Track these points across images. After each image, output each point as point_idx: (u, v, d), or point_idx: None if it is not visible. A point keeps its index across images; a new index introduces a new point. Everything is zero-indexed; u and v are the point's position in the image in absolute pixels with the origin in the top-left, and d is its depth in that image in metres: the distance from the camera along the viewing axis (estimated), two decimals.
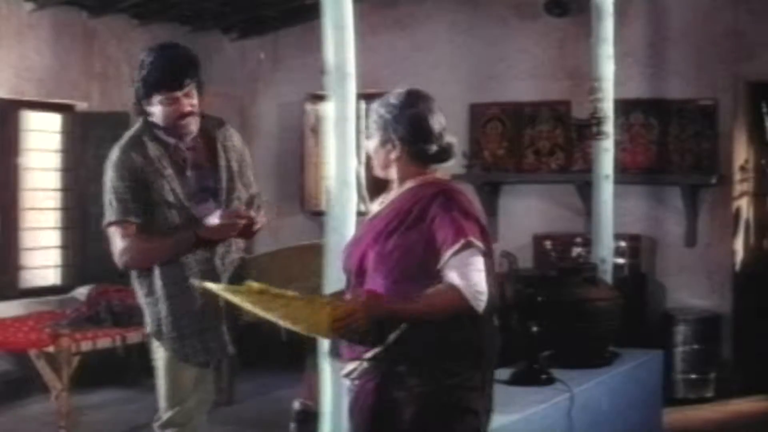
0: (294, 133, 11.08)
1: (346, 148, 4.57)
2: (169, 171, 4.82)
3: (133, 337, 8.24)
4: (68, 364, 7.74)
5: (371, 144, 4.04)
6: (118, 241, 4.79)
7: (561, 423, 5.61)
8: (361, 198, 4.61)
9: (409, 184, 3.98)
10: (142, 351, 8.86)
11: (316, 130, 10.83)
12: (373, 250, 3.88)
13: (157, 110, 4.84)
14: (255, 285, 3.68)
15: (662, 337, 8.77)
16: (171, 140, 4.88)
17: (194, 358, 4.82)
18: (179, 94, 4.82)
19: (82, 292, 9.05)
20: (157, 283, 4.83)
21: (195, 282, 3.99)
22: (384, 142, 3.99)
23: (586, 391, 5.93)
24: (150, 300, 4.87)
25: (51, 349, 7.75)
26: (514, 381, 5.84)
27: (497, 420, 4.73)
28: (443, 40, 10.42)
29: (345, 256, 4.09)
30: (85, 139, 9.81)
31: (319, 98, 8.91)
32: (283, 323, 3.71)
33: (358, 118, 4.67)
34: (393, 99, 4.04)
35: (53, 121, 9.85)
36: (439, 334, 3.80)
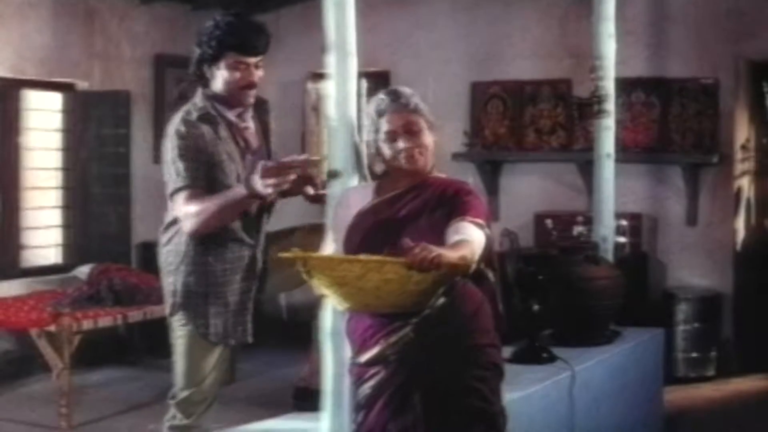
0: (295, 112, 11.07)
1: (348, 126, 4.57)
2: (235, 155, 4.81)
3: (135, 316, 8.24)
4: (69, 343, 7.74)
5: (427, 134, 4.24)
6: (183, 207, 4.70)
7: (562, 401, 5.63)
8: (362, 177, 4.61)
9: (432, 174, 4.27)
10: (144, 330, 8.94)
11: (317, 109, 10.83)
12: (414, 224, 4.08)
13: (222, 75, 4.80)
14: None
15: (663, 315, 8.78)
16: (232, 118, 4.84)
17: (230, 338, 4.84)
18: (252, 60, 4.81)
19: (83, 271, 9.05)
20: (203, 269, 4.80)
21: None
22: (432, 127, 4.27)
23: (587, 369, 5.95)
24: (192, 283, 4.81)
25: (52, 328, 7.75)
26: (516, 359, 5.87)
27: None
28: (444, 19, 10.39)
29: (365, 235, 4.17)
30: (86, 118, 9.82)
31: (320, 77, 8.87)
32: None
33: (359, 96, 4.67)
34: (409, 90, 4.29)
35: (54, 100, 9.84)
36: (475, 297, 4.08)
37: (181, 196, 4.71)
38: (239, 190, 4.65)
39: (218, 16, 4.85)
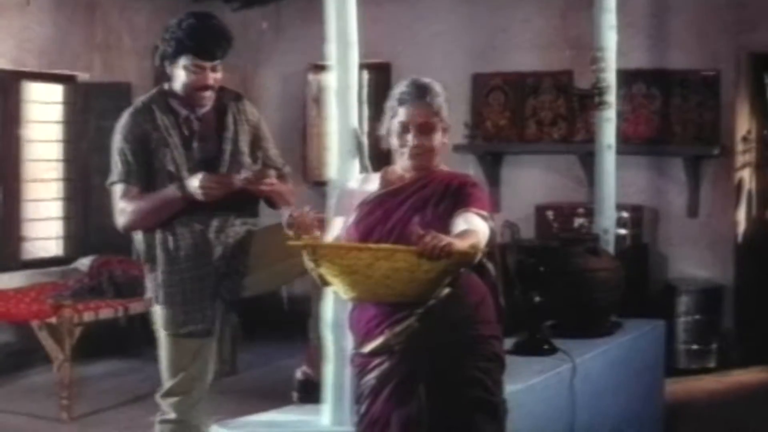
0: (296, 103, 11.06)
1: (349, 118, 4.57)
2: (175, 141, 4.85)
3: (136, 307, 8.25)
4: (70, 334, 7.75)
5: (439, 135, 4.21)
6: (117, 202, 4.87)
7: (563, 393, 5.63)
8: (363, 168, 4.61)
9: (440, 167, 4.25)
10: (145, 321, 8.88)
11: (318, 100, 10.81)
12: (420, 215, 4.08)
13: (179, 74, 4.87)
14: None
15: (664, 307, 8.77)
16: (183, 111, 4.92)
17: (190, 326, 4.86)
18: (208, 65, 4.86)
19: (84, 263, 9.06)
20: (156, 251, 4.90)
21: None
22: (446, 130, 4.25)
23: (588, 361, 5.94)
24: (149, 266, 4.94)
25: (53, 320, 7.76)
26: (517, 351, 5.86)
27: None
28: (445, 10, 10.38)
29: (371, 225, 4.15)
30: (87, 109, 9.81)
31: (321, 68, 8.88)
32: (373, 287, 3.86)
33: (360, 87, 4.67)
34: (439, 87, 4.24)
35: (55, 91, 9.84)
36: (478, 288, 4.13)
37: (114, 191, 4.90)
38: (173, 192, 4.80)
39: (184, 15, 4.93)
